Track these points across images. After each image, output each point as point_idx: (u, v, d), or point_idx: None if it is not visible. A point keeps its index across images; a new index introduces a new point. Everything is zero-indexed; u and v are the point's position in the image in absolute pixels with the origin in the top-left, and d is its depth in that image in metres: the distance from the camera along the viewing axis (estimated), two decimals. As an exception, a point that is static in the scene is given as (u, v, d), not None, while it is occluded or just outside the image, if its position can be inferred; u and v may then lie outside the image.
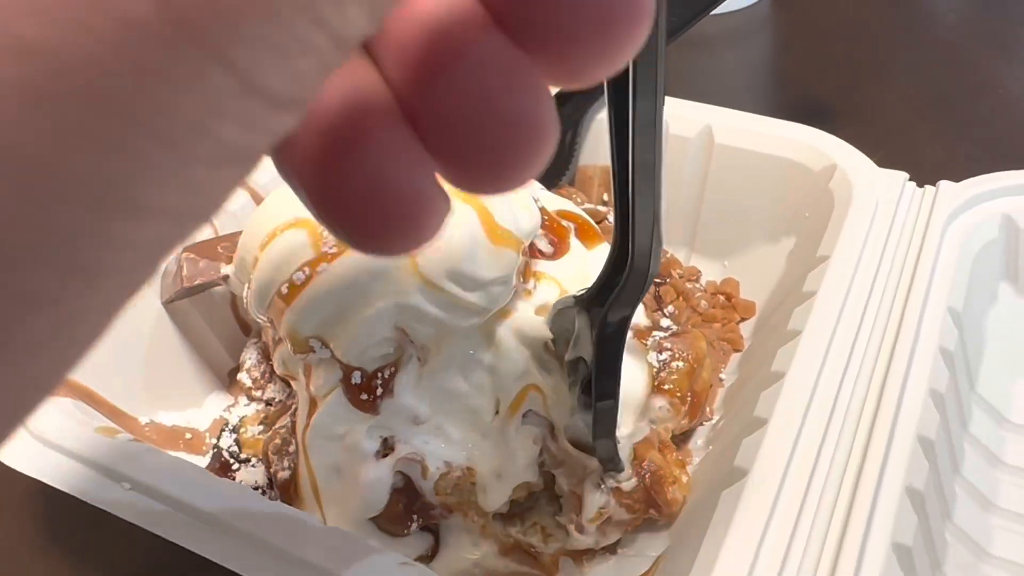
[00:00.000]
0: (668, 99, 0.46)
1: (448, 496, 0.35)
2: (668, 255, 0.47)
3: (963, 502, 0.35)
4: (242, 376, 0.42)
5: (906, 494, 0.30)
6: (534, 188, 0.39)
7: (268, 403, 0.42)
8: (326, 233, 0.32)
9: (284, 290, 0.33)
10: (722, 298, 0.45)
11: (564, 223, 0.38)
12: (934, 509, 0.32)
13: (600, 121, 0.47)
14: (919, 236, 0.38)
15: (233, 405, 0.43)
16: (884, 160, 0.41)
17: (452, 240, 0.32)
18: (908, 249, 0.38)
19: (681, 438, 0.39)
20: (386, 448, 0.35)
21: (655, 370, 0.37)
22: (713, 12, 0.46)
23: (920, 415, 0.32)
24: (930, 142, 0.54)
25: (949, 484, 0.34)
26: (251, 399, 0.42)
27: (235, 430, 0.41)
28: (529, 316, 0.35)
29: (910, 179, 0.41)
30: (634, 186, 0.24)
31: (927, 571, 0.31)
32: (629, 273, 0.26)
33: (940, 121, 0.56)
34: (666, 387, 0.37)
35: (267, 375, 0.42)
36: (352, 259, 0.32)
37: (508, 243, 0.33)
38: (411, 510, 0.36)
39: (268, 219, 0.34)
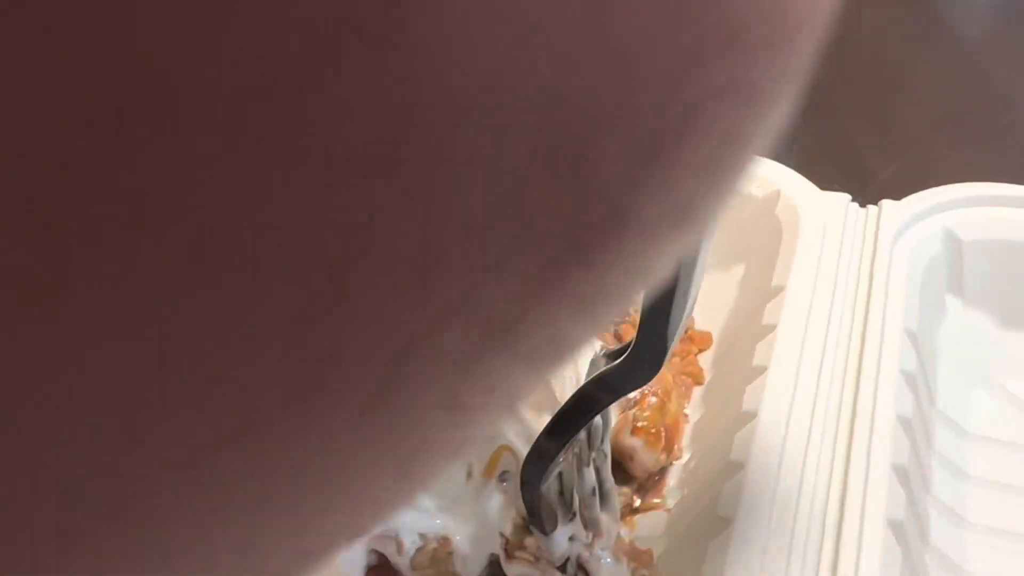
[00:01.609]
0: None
1: (427, 570, 0.34)
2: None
3: (936, 521, 0.35)
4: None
5: (888, 525, 0.30)
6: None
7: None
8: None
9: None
10: (678, 331, 0.44)
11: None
12: (913, 533, 0.32)
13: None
14: (868, 258, 0.39)
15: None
16: (900, 171, 0.42)
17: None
18: (859, 272, 0.39)
19: (657, 476, 0.39)
20: (357, 525, 0.34)
21: (626, 410, 0.37)
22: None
23: (892, 442, 0.32)
24: (947, 153, 0.54)
25: (923, 506, 0.34)
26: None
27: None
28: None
29: (852, 200, 0.42)
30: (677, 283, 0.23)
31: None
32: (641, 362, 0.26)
33: (957, 132, 0.56)
34: (640, 424, 0.37)
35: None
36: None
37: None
38: (388, 586, 0.35)
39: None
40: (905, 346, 0.36)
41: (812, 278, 0.37)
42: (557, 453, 0.30)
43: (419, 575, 0.34)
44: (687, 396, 0.42)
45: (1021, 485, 0.37)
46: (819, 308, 0.36)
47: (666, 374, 0.38)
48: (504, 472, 0.34)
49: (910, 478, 0.32)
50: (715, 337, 0.44)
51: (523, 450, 0.34)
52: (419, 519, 0.35)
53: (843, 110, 0.58)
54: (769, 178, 0.43)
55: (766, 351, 0.35)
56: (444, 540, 0.35)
